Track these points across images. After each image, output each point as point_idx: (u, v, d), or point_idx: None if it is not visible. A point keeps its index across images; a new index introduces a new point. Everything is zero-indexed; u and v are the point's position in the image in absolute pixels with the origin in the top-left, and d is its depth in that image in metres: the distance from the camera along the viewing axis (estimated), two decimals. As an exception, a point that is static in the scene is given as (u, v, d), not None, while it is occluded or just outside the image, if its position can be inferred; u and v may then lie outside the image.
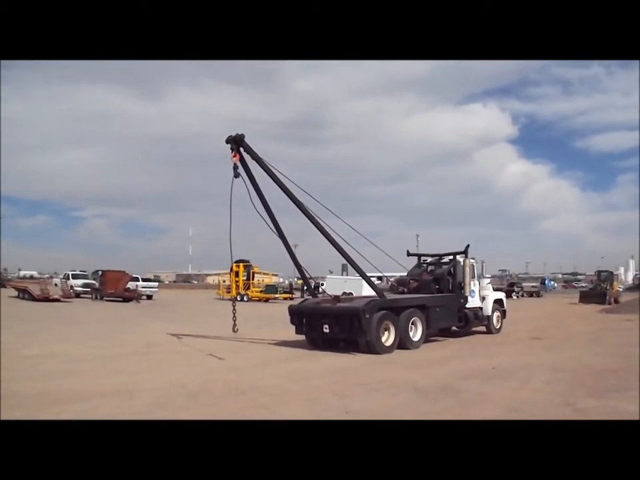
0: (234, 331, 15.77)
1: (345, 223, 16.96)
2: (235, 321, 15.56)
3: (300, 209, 15.82)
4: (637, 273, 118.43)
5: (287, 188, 15.69)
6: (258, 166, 15.80)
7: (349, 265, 18.29)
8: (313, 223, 15.85)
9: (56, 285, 44.27)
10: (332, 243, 15.90)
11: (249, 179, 15.98)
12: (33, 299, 38.89)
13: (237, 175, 15.36)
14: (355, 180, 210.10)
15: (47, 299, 38.50)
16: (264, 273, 61.30)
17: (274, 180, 15.61)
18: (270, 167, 15.61)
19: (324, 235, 15.86)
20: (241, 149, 15.52)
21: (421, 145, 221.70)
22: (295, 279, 76.19)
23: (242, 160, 15.61)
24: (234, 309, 15.73)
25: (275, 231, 16.73)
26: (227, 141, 15.50)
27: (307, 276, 17.69)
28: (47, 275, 70.59)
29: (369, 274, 17.12)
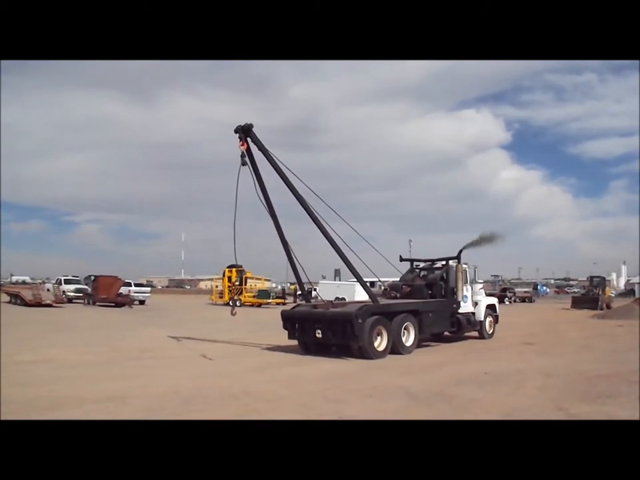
0: (232, 314, 17.53)
1: (347, 224, 17.19)
2: (233, 307, 17.90)
3: (301, 204, 16.05)
4: (629, 278, 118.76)
5: (290, 182, 15.92)
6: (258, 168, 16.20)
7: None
8: (312, 219, 16.05)
9: (48, 290, 44.06)
10: (330, 243, 16.02)
11: (254, 170, 16.22)
12: (25, 304, 38.68)
13: (244, 163, 15.77)
14: (348, 186, 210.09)
15: (39, 304, 38.26)
16: (256, 278, 61.21)
17: (277, 172, 15.89)
18: (275, 159, 15.89)
19: (322, 233, 16.01)
20: (249, 139, 15.81)
21: (415, 152, 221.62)
22: (288, 284, 76.06)
23: (248, 150, 15.89)
24: (234, 299, 18.65)
25: (274, 223, 16.81)
26: (236, 130, 15.79)
27: (302, 279, 17.54)
28: (40, 280, 70.33)
29: (363, 278, 17.18)
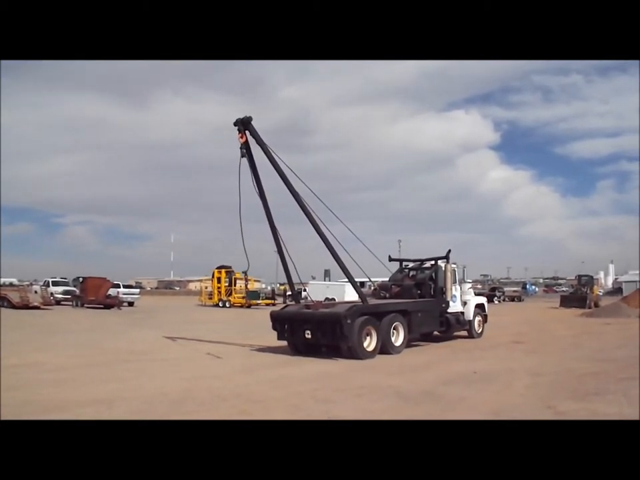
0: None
1: (342, 223, 17.33)
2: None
3: (295, 199, 16.07)
4: (617, 277, 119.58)
5: (286, 176, 15.97)
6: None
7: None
8: (306, 214, 16.06)
9: (36, 292, 43.83)
10: (324, 241, 16.08)
11: (250, 164, 16.37)
12: (13, 306, 38.36)
13: (243, 155, 16.01)
14: (339, 187, 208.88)
15: (26, 307, 38.08)
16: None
17: (274, 166, 15.96)
18: (272, 152, 15.99)
19: (316, 231, 16.03)
20: (247, 132, 15.99)
21: (405, 152, 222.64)
22: (277, 285, 76.03)
23: (246, 143, 16.06)
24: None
25: (266, 214, 16.82)
26: (235, 123, 15.99)
27: (293, 277, 17.51)
28: (27, 282, 69.84)
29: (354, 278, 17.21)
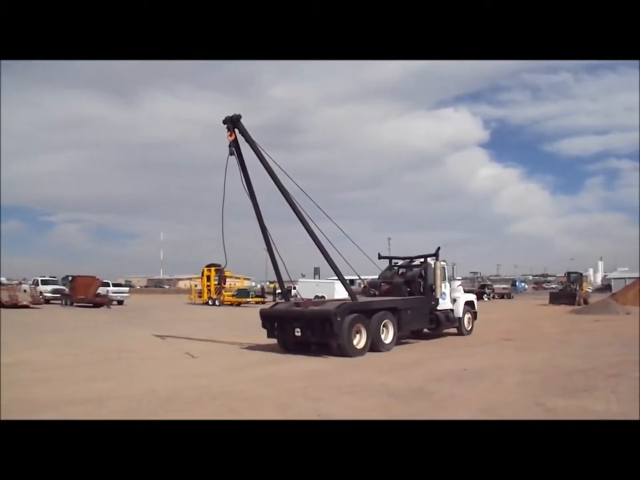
0: None
1: (330, 220, 17.43)
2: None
3: (284, 197, 16.13)
4: (606, 274, 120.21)
5: (275, 175, 16.04)
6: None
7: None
8: (295, 212, 16.11)
9: (25, 291, 43.61)
10: (313, 239, 16.14)
11: (240, 162, 16.41)
12: (1, 305, 38.10)
13: (231, 153, 16.11)
14: (329, 185, 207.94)
15: (15, 306, 37.85)
16: (236, 277, 61.08)
17: (263, 164, 16.04)
18: (261, 150, 16.05)
19: (306, 229, 16.12)
20: (236, 130, 16.07)
21: (395, 150, 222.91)
22: (267, 283, 75.93)
23: (235, 141, 16.11)
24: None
25: (255, 212, 16.86)
26: (224, 121, 16.03)
27: (282, 274, 17.54)
28: (16, 281, 69.52)
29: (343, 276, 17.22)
